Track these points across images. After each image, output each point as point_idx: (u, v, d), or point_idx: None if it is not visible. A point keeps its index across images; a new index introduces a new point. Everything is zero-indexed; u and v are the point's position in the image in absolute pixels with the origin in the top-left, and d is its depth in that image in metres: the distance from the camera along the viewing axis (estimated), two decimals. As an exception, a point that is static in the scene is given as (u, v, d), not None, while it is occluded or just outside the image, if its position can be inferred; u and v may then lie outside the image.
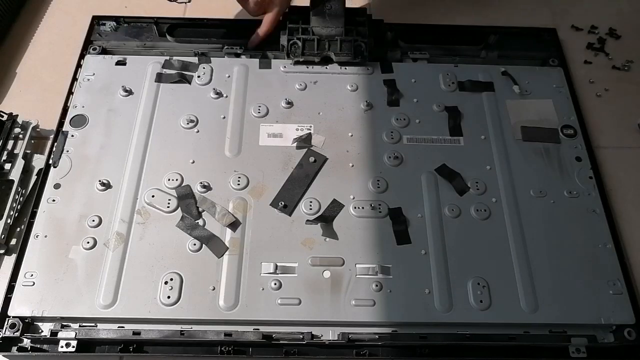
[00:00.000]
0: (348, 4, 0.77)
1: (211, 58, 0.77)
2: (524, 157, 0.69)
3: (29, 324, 0.58)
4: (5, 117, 0.72)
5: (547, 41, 0.81)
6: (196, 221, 0.63)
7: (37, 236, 0.62)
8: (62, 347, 0.57)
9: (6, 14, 0.85)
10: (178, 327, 0.58)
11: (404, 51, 0.79)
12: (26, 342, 0.58)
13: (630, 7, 0.92)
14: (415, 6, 0.90)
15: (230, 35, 0.80)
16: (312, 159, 0.68)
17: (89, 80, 0.74)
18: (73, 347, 0.57)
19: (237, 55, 0.78)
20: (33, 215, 0.64)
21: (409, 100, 0.74)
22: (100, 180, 0.65)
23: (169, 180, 0.66)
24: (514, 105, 0.73)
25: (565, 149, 0.70)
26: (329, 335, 0.58)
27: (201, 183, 0.65)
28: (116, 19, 0.82)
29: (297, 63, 0.76)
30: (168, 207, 0.64)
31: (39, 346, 0.58)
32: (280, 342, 0.58)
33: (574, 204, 0.66)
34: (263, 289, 0.60)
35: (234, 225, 0.63)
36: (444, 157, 0.69)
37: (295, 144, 0.69)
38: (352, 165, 0.68)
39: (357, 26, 0.77)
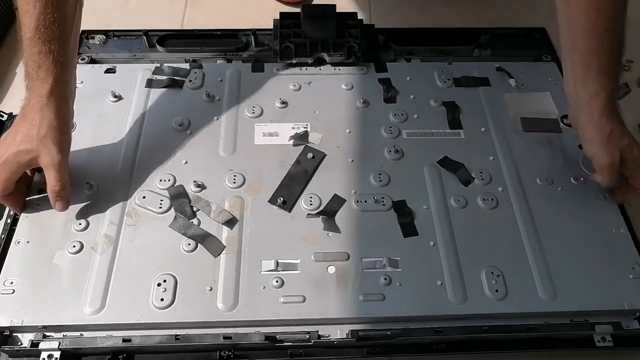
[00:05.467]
0: (339, 9, 0.77)
1: (202, 64, 0.76)
2: (526, 146, 0.68)
3: (7, 336, 0.53)
4: (5, 117, 0.70)
5: (538, 40, 0.82)
6: (190, 220, 0.60)
7: (18, 242, 0.58)
8: (43, 359, 0.52)
9: (6, 14, 0.84)
10: (173, 332, 0.53)
11: (397, 53, 0.79)
12: (3, 357, 0.53)
13: (630, 7, 0.93)
14: (407, 10, 0.91)
15: (222, 44, 0.79)
16: (310, 155, 0.66)
17: (76, 88, 0.72)
18: (56, 358, 0.52)
19: (229, 61, 0.77)
20: (15, 221, 0.60)
21: (405, 97, 0.73)
22: (88, 183, 0.62)
23: (160, 181, 0.63)
24: (511, 98, 0.73)
25: (567, 137, 0.69)
26: (337, 333, 0.54)
27: (195, 182, 0.62)
28: (105, 32, 0.81)
29: (290, 65, 0.75)
30: (160, 207, 0.61)
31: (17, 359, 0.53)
32: (285, 343, 0.53)
33: (582, 190, 0.64)
34: (264, 288, 0.56)
35: (230, 222, 0.60)
36: (446, 149, 0.67)
37: (292, 142, 0.67)
38: (352, 161, 0.66)
39: (349, 29, 0.77)
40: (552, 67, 0.77)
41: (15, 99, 0.75)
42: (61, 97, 0.56)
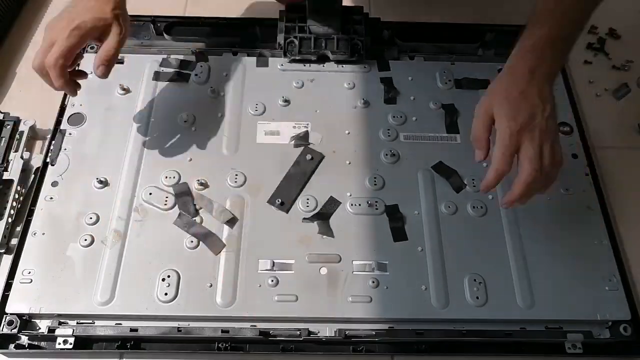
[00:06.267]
0: (345, 3, 0.77)
1: (208, 57, 0.77)
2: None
3: (26, 321, 0.58)
4: (3, 117, 0.72)
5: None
6: (193, 218, 0.64)
7: (34, 234, 0.62)
8: (59, 344, 0.57)
9: (6, 14, 0.85)
10: (175, 324, 0.58)
11: (401, 49, 0.79)
12: (24, 340, 0.58)
13: (630, 7, 0.92)
14: (413, 4, 0.90)
15: (228, 34, 0.80)
16: (309, 156, 0.68)
17: (86, 78, 0.74)
18: (70, 344, 0.57)
19: (234, 54, 0.78)
20: (31, 213, 0.64)
21: (405, 98, 0.74)
22: (97, 178, 0.65)
23: (166, 177, 0.66)
24: (510, 102, 0.74)
25: (562, 146, 0.70)
26: (326, 331, 0.59)
27: (198, 181, 0.66)
28: (114, 17, 0.82)
29: (294, 61, 0.76)
30: (165, 204, 0.64)
31: (36, 343, 0.58)
32: (277, 338, 0.58)
33: (569, 201, 0.66)
34: (260, 286, 0.60)
35: (231, 222, 0.63)
36: (441, 154, 0.69)
37: (292, 142, 0.70)
38: (349, 163, 0.68)
39: (354, 24, 0.77)
40: (554, 70, 0.77)
41: (15, 99, 0.78)
42: None
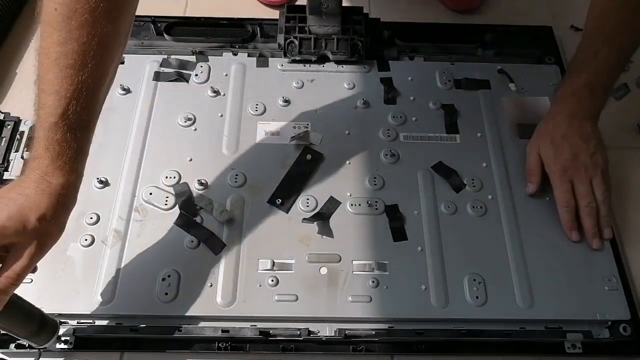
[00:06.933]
0: (345, 3, 0.77)
1: (209, 57, 0.77)
2: (520, 154, 0.69)
3: (27, 321, 0.59)
4: (4, 117, 0.72)
5: (543, 39, 0.82)
6: (194, 218, 0.64)
7: (35, 233, 0.62)
8: (59, 343, 0.57)
9: (6, 14, 0.85)
10: (176, 324, 0.58)
11: (401, 49, 0.79)
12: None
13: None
14: (412, 4, 0.90)
15: (228, 34, 0.80)
16: (309, 156, 0.68)
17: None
18: (71, 343, 0.57)
19: (235, 54, 0.78)
20: (31, 212, 0.64)
21: (405, 98, 0.74)
22: (98, 178, 0.65)
23: (166, 177, 0.66)
24: (510, 102, 0.74)
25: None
26: (326, 331, 0.59)
27: (199, 180, 0.66)
28: (114, 18, 0.82)
29: (294, 61, 0.77)
30: (166, 204, 0.65)
31: (37, 342, 0.58)
32: (277, 338, 0.58)
33: (569, 201, 0.66)
34: (260, 286, 0.60)
35: (231, 221, 0.63)
36: (441, 154, 0.69)
37: (292, 142, 0.70)
38: (349, 163, 0.69)
39: (354, 25, 0.77)
40: (554, 71, 0.77)
41: (15, 99, 0.78)
42: (74, 190, 0.49)
